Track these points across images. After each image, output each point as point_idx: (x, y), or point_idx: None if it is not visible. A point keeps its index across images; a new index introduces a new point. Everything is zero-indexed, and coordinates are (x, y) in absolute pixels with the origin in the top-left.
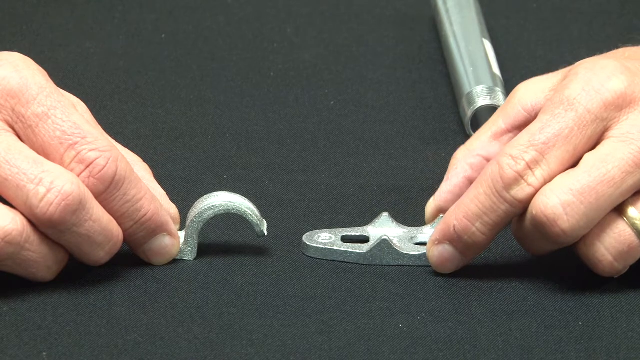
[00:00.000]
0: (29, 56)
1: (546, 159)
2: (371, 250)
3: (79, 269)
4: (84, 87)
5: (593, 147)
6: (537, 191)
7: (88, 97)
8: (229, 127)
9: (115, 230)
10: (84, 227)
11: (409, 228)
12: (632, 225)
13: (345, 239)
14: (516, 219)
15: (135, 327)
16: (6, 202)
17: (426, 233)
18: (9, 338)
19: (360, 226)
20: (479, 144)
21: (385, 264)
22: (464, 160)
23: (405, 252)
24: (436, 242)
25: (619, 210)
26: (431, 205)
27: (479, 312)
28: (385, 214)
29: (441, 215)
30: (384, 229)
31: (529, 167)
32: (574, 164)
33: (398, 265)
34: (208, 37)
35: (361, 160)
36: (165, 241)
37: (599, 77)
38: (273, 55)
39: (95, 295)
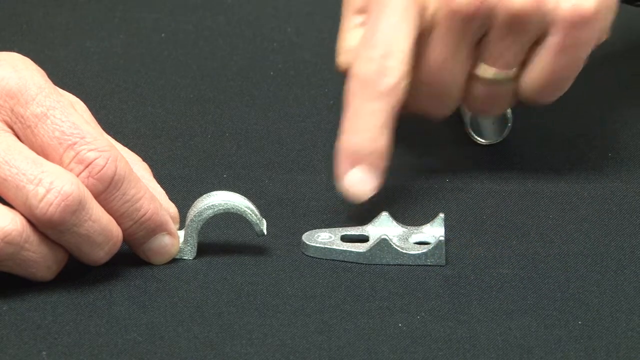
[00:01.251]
0: (28, 56)
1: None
2: (371, 249)
3: (79, 269)
4: (83, 87)
5: None
6: (401, 75)
7: (88, 96)
8: (229, 126)
9: (115, 230)
10: (83, 227)
11: (409, 227)
12: None
13: (345, 238)
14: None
15: (134, 326)
16: (6, 203)
17: (426, 232)
18: (9, 338)
19: (360, 225)
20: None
21: (385, 263)
22: None
23: (404, 251)
24: (344, 173)
25: None
26: None
27: (478, 311)
28: (384, 213)
29: (441, 215)
30: (383, 228)
31: (382, 60)
32: None
33: (397, 265)
34: (208, 37)
35: None
36: (164, 240)
37: None
38: (273, 55)
39: (94, 294)
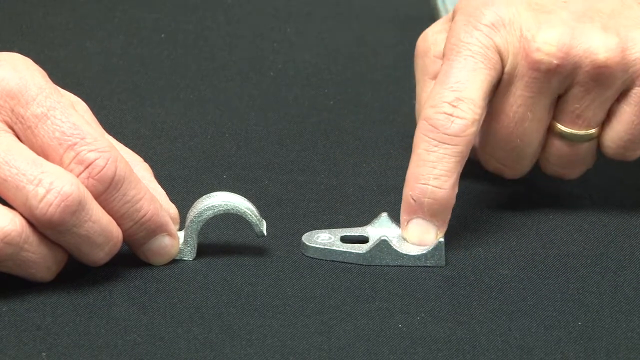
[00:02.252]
0: (28, 56)
1: (464, 93)
2: (370, 250)
3: (79, 269)
4: (83, 87)
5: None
6: (469, 121)
7: (88, 96)
8: (229, 127)
9: (115, 230)
10: (83, 228)
11: None
12: None
13: (345, 239)
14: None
15: (134, 327)
16: (5, 203)
17: None
18: (9, 338)
19: (360, 226)
20: None
21: (385, 264)
22: None
23: (404, 252)
24: (406, 223)
25: None
26: None
27: (478, 312)
28: (384, 214)
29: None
30: (383, 229)
31: (452, 105)
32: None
33: (397, 266)
34: (208, 37)
35: (361, 160)
36: (164, 241)
37: None
38: (273, 55)
39: (94, 295)
